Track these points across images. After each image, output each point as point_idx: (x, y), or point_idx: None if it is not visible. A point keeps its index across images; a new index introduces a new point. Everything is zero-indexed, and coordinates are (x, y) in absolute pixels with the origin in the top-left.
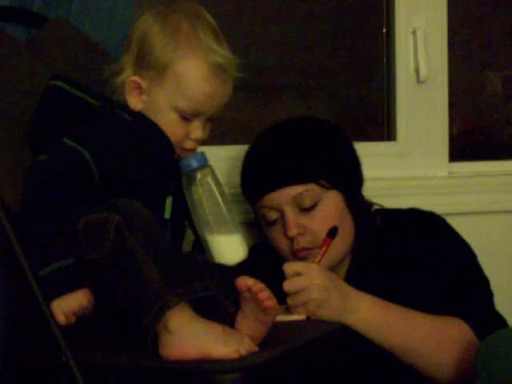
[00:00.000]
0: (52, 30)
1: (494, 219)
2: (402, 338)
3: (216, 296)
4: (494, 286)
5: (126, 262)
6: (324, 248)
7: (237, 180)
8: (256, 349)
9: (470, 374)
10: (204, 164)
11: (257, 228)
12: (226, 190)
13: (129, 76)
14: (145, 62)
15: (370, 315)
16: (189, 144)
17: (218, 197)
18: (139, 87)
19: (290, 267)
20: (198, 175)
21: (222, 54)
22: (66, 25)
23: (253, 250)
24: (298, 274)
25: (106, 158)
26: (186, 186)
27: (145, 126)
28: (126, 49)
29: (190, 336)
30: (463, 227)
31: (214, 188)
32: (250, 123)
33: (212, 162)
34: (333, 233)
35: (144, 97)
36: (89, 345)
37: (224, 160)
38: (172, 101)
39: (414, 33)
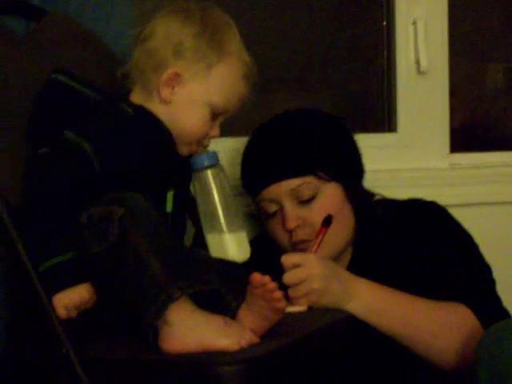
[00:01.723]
0: (51, 23)
1: (495, 210)
2: (402, 322)
3: (219, 290)
4: (496, 277)
5: (129, 254)
6: (320, 237)
7: (237, 172)
8: (257, 340)
9: (471, 361)
10: (215, 163)
11: (258, 220)
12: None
13: (167, 67)
14: (185, 57)
15: (370, 300)
16: (206, 141)
17: (228, 196)
18: (176, 79)
19: (287, 259)
20: (209, 173)
21: (249, 55)
22: (65, 18)
23: (254, 242)
24: (297, 266)
25: (107, 152)
26: (196, 182)
27: (147, 119)
28: (143, 42)
29: (190, 329)
30: (464, 218)
31: (224, 187)
32: (250, 115)
33: None
34: (327, 221)
35: (176, 89)
36: (90, 338)
37: (224, 152)
38: (210, 96)
39: (414, 24)
